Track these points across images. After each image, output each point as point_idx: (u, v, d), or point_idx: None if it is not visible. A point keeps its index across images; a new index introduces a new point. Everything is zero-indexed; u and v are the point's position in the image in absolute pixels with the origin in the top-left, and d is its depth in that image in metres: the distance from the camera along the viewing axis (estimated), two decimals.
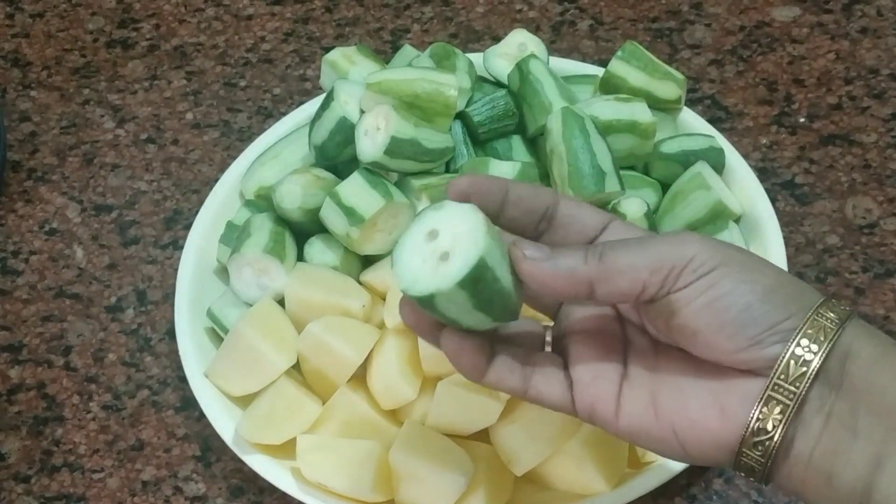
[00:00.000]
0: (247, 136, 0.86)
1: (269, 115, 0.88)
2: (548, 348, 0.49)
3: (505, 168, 0.67)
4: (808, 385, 0.42)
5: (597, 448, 0.60)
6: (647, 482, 0.61)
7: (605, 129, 0.69)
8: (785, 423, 0.42)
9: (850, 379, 0.42)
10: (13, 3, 1.00)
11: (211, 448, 0.70)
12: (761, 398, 0.43)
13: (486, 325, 0.45)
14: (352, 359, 0.63)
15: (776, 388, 0.42)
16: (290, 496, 0.63)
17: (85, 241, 0.82)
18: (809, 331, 0.42)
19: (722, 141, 0.74)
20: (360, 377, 0.65)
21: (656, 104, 0.74)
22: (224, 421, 0.65)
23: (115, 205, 0.84)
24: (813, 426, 0.43)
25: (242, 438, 0.64)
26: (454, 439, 0.62)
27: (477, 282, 0.42)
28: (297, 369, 0.66)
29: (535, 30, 0.91)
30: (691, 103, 0.83)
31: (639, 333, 0.48)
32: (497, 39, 0.85)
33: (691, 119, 0.76)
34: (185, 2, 0.98)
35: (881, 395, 0.41)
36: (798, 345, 0.42)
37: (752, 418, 0.43)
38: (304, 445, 0.62)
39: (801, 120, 0.82)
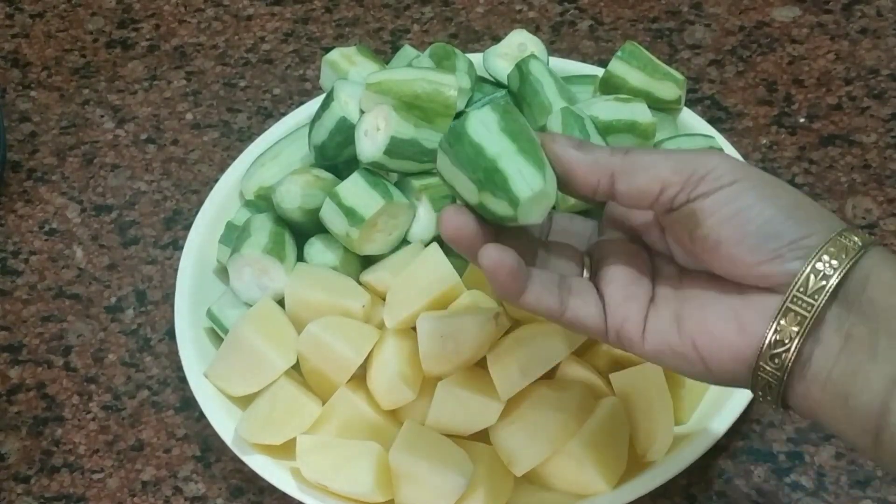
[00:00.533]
0: (247, 137, 0.86)
1: (269, 116, 0.88)
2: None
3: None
4: (825, 299, 0.43)
5: (597, 448, 0.60)
6: (647, 482, 0.61)
7: (605, 130, 0.69)
8: (801, 336, 0.43)
9: (870, 302, 0.43)
10: (13, 3, 1.00)
11: (211, 448, 0.70)
12: (780, 310, 0.44)
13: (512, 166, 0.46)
14: (352, 359, 0.63)
15: (795, 300, 0.43)
16: (290, 496, 0.63)
17: (85, 242, 0.82)
18: (832, 249, 0.43)
19: (722, 141, 0.74)
20: (360, 377, 0.65)
21: (656, 104, 0.74)
22: (224, 421, 0.65)
23: (114, 205, 0.84)
24: (831, 346, 0.43)
25: (242, 439, 0.64)
26: (454, 439, 0.62)
27: (509, 111, 0.47)
28: (297, 369, 0.66)
29: (535, 30, 0.91)
30: (691, 103, 0.83)
31: (666, 262, 0.49)
32: (497, 40, 0.85)
33: (691, 119, 0.76)
34: (185, 2, 0.98)
35: None
36: (819, 260, 0.43)
37: (769, 330, 0.44)
38: (303, 446, 0.62)
39: (801, 120, 0.82)
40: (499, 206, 0.46)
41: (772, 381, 0.44)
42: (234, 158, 0.79)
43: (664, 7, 0.91)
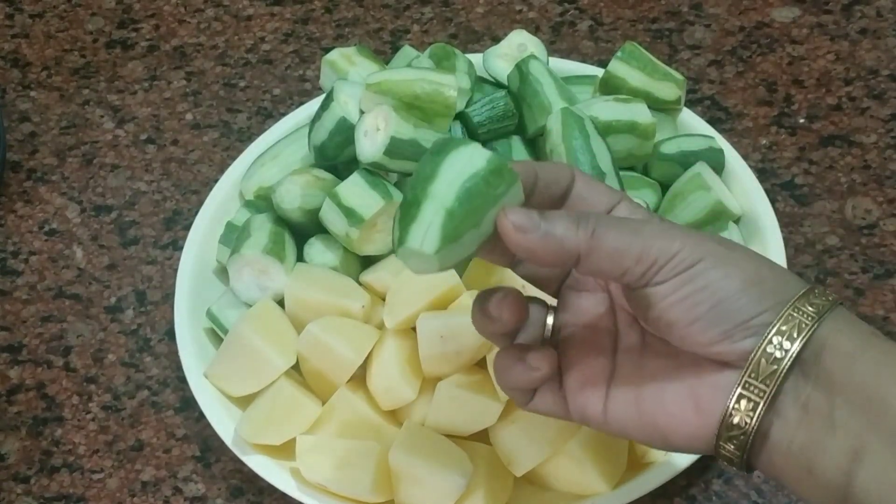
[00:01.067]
0: (246, 137, 0.86)
1: (268, 116, 0.88)
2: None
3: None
4: (778, 383, 0.43)
5: (596, 449, 0.60)
6: (646, 483, 0.61)
7: (605, 130, 0.69)
8: (756, 419, 0.43)
9: (827, 372, 0.42)
10: (13, 4, 1.00)
11: (210, 448, 0.70)
12: (733, 395, 0.43)
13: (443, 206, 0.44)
14: (351, 359, 0.63)
15: (747, 385, 0.43)
16: (289, 497, 0.63)
17: (84, 242, 0.82)
18: (783, 327, 0.43)
19: (721, 141, 0.74)
20: (359, 377, 0.65)
21: (656, 105, 0.74)
22: (224, 421, 0.65)
23: (114, 205, 0.84)
24: (789, 417, 0.43)
25: (242, 439, 0.64)
26: (454, 440, 0.62)
27: (503, 174, 0.44)
28: (296, 370, 0.66)
29: (535, 30, 0.91)
30: (691, 104, 0.83)
31: (629, 326, 0.49)
32: (497, 40, 0.85)
33: (691, 120, 0.76)
34: (185, 2, 0.98)
35: (858, 389, 0.42)
36: (770, 342, 0.43)
37: (724, 414, 0.44)
38: (303, 446, 0.62)
39: (801, 121, 0.82)
40: (393, 231, 0.45)
41: (733, 458, 0.45)
42: (234, 158, 0.79)
43: (664, 7, 0.91)
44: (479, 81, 0.76)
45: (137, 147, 0.87)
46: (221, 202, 0.76)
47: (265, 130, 0.81)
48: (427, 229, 0.43)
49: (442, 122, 0.69)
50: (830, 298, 0.44)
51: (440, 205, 0.43)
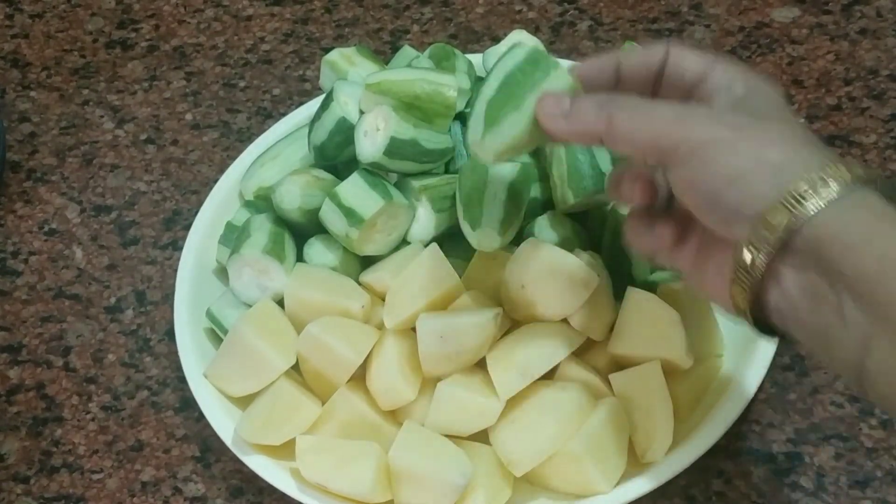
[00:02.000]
0: (246, 137, 0.86)
1: (268, 116, 0.88)
2: None
3: (504, 168, 0.67)
4: (763, 273, 0.45)
5: (596, 449, 0.60)
6: (646, 482, 0.61)
7: None
8: (750, 303, 0.47)
9: (832, 263, 0.43)
10: (13, 4, 1.00)
11: (210, 449, 0.70)
12: (733, 279, 0.47)
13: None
14: (351, 359, 0.63)
15: (738, 272, 0.46)
16: (289, 497, 0.63)
17: (84, 242, 0.82)
18: (774, 219, 0.44)
19: None
20: (359, 378, 0.65)
21: None
22: (223, 421, 0.65)
23: (114, 205, 0.84)
24: (799, 306, 0.45)
25: (242, 439, 0.64)
26: (453, 440, 0.62)
27: (538, 62, 0.53)
28: (296, 370, 0.66)
29: (535, 30, 0.91)
30: None
31: None
32: (496, 40, 0.85)
33: None
34: (185, 2, 0.98)
35: (863, 284, 0.43)
36: (754, 235, 0.45)
37: (730, 296, 0.48)
38: (303, 446, 0.62)
39: (801, 121, 0.82)
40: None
41: (763, 331, 0.48)
42: (233, 159, 0.79)
43: (664, 7, 0.91)
44: (479, 81, 0.76)
45: (137, 147, 0.87)
46: (221, 202, 0.76)
47: (265, 130, 0.81)
48: (477, 121, 0.53)
49: (442, 122, 0.69)
50: (845, 178, 0.44)
51: (484, 99, 0.53)
